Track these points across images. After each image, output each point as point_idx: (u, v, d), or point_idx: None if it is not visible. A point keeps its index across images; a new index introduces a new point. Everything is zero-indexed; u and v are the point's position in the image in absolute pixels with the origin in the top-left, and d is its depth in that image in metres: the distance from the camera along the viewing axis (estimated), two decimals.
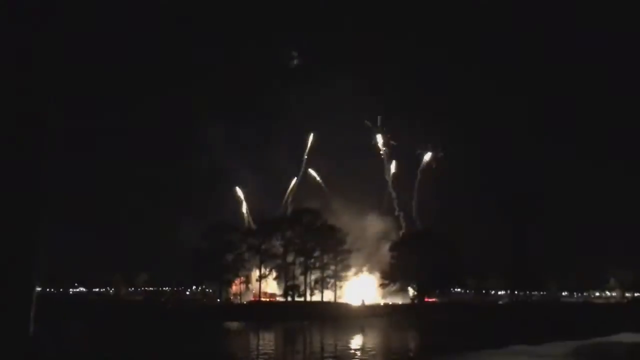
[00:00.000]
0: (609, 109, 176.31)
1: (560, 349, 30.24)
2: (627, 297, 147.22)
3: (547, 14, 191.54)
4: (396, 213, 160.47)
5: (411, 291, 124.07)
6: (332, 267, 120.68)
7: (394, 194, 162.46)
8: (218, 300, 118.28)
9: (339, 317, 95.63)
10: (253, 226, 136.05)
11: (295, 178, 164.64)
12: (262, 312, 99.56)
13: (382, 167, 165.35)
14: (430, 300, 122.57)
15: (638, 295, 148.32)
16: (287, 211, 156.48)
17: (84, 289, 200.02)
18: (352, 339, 67.06)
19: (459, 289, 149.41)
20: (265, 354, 51.82)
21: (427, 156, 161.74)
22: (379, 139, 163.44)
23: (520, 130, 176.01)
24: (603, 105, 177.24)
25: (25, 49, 4.86)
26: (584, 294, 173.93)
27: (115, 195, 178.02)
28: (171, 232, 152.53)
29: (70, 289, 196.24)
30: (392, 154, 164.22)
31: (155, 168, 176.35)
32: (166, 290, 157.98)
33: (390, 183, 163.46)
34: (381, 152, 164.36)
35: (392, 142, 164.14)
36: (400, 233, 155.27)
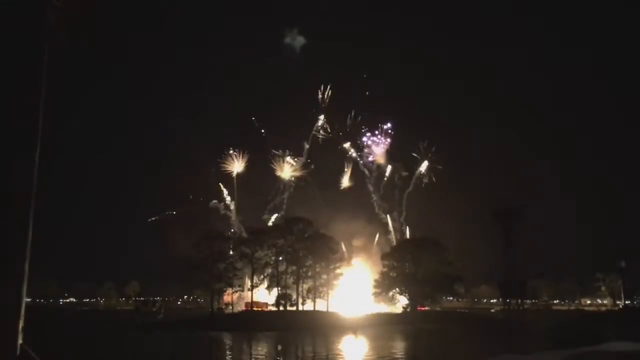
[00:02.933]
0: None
1: (551, 358, 30.27)
2: (618, 305, 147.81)
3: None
4: (384, 221, 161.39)
5: (403, 300, 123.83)
6: (324, 276, 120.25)
7: (378, 201, 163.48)
8: (210, 310, 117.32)
9: (332, 327, 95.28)
10: (244, 235, 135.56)
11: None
12: (253, 321, 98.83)
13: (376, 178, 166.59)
14: (422, 308, 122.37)
15: (629, 303, 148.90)
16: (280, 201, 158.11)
17: (74, 300, 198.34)
18: (345, 348, 66.90)
19: (450, 298, 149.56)
20: None
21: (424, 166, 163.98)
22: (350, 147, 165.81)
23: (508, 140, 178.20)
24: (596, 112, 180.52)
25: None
26: (576, 301, 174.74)
27: (106, 205, 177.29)
28: (162, 241, 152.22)
29: (61, 300, 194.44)
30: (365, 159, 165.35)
31: (145, 177, 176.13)
32: (157, 300, 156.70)
33: (374, 192, 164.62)
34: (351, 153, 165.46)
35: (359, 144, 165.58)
36: (391, 237, 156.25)
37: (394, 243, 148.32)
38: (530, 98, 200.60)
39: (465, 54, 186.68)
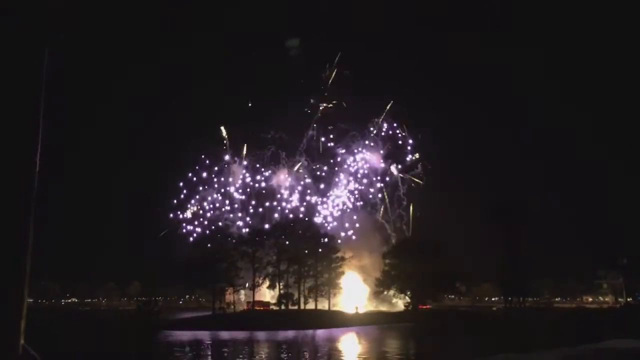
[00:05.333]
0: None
1: (551, 357, 30.35)
2: (620, 302, 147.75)
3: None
4: (384, 219, 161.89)
5: (405, 298, 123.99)
6: (326, 275, 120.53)
7: (378, 200, 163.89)
8: (212, 309, 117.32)
9: (334, 325, 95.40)
10: (246, 234, 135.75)
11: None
12: (256, 321, 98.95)
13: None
14: (423, 307, 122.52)
15: (631, 300, 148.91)
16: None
17: (76, 300, 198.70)
18: (346, 347, 67.05)
19: (452, 296, 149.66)
20: None
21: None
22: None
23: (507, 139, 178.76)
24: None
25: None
26: (577, 299, 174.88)
27: (107, 205, 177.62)
28: (163, 241, 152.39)
29: (62, 300, 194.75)
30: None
31: (146, 175, 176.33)
32: (159, 300, 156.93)
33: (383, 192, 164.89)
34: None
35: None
36: (390, 233, 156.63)
37: (394, 241, 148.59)
38: (534, 97, 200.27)
39: (466, 54, 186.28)
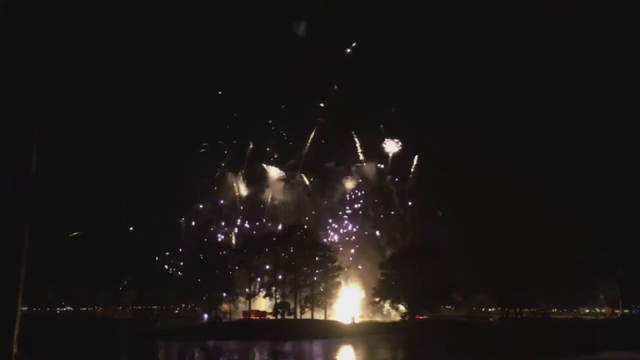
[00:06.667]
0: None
1: None
2: (616, 313, 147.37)
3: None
4: (378, 228, 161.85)
5: (402, 308, 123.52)
6: (322, 285, 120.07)
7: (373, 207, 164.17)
8: (207, 318, 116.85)
9: (331, 336, 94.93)
10: (242, 243, 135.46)
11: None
12: (252, 330, 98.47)
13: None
14: (420, 317, 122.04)
15: (627, 312, 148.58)
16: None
17: (71, 308, 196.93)
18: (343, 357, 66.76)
19: (449, 306, 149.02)
20: None
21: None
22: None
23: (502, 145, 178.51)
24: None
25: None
26: (574, 310, 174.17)
27: (103, 211, 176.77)
28: (161, 249, 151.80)
29: (57, 308, 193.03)
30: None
31: (143, 184, 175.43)
32: (155, 309, 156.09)
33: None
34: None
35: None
36: (383, 244, 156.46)
37: (388, 251, 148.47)
38: (534, 97, 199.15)
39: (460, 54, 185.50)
